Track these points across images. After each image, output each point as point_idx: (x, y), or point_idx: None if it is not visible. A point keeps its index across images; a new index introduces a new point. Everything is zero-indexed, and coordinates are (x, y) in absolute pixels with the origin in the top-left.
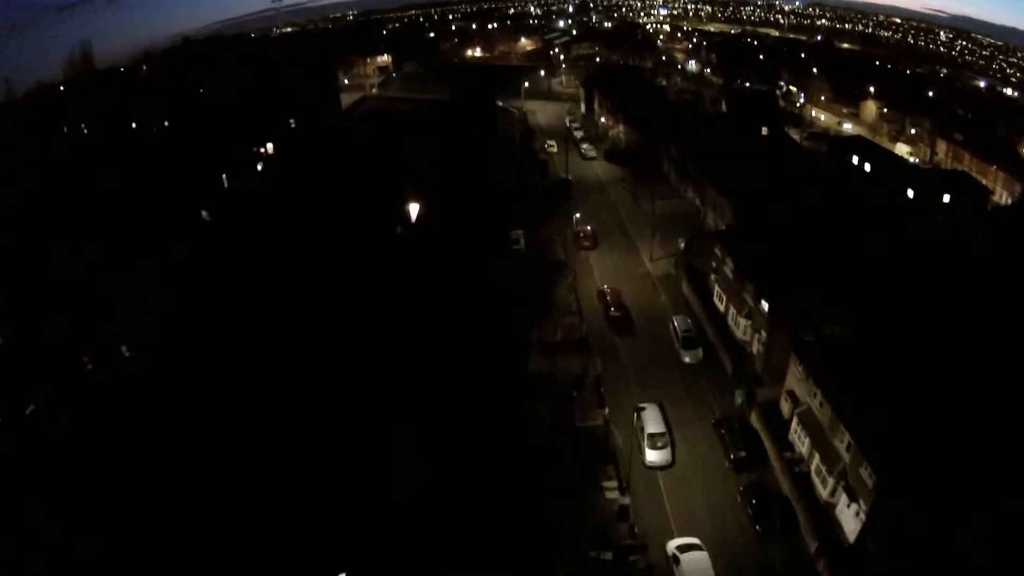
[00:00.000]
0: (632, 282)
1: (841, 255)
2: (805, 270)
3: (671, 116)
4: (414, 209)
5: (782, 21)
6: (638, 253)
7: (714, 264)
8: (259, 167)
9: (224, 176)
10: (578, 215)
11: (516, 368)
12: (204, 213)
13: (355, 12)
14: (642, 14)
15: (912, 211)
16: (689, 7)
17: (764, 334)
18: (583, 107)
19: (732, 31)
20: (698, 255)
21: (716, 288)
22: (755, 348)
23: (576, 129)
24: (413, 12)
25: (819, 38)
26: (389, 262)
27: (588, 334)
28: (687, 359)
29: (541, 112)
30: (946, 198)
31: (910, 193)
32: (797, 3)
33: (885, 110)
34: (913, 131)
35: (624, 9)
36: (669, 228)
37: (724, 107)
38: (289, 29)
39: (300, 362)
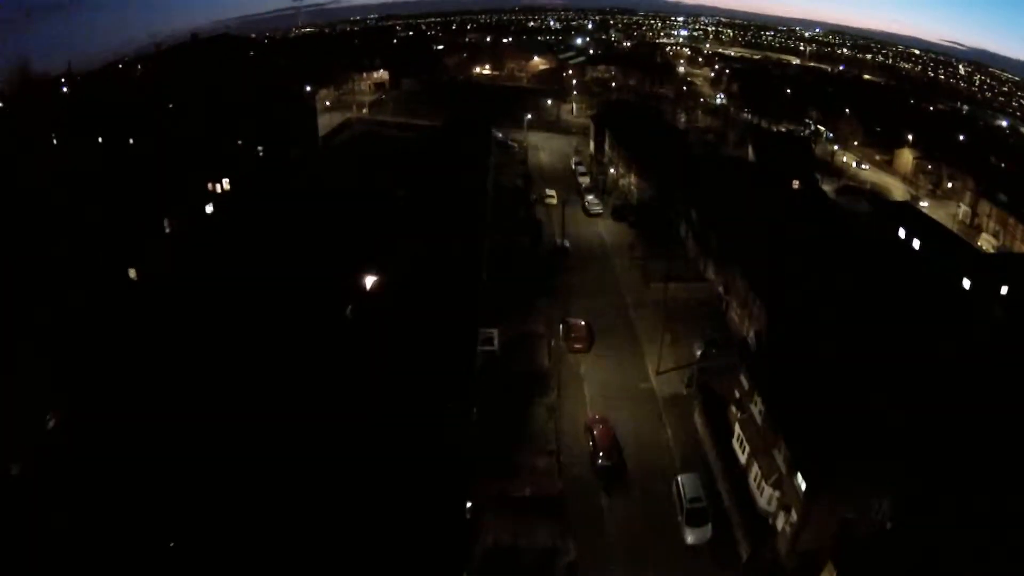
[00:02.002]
0: (631, 406)
1: (906, 391)
2: (860, 423)
3: (690, 166)
4: (370, 281)
5: (803, 48)
6: (642, 359)
7: (738, 394)
8: (209, 209)
9: (165, 220)
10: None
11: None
12: (131, 272)
13: (376, 16)
14: (662, 34)
15: (971, 310)
16: (710, 29)
17: (795, 515)
18: (592, 145)
19: (754, 56)
20: (718, 371)
21: (738, 429)
22: (781, 526)
23: (582, 174)
24: (433, 19)
25: (841, 68)
26: (323, 359)
27: (567, 487)
28: (691, 539)
29: (546, 148)
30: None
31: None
32: (817, 30)
33: (921, 160)
34: (950, 185)
35: (644, 28)
36: (684, 321)
37: (751, 151)
38: (308, 30)
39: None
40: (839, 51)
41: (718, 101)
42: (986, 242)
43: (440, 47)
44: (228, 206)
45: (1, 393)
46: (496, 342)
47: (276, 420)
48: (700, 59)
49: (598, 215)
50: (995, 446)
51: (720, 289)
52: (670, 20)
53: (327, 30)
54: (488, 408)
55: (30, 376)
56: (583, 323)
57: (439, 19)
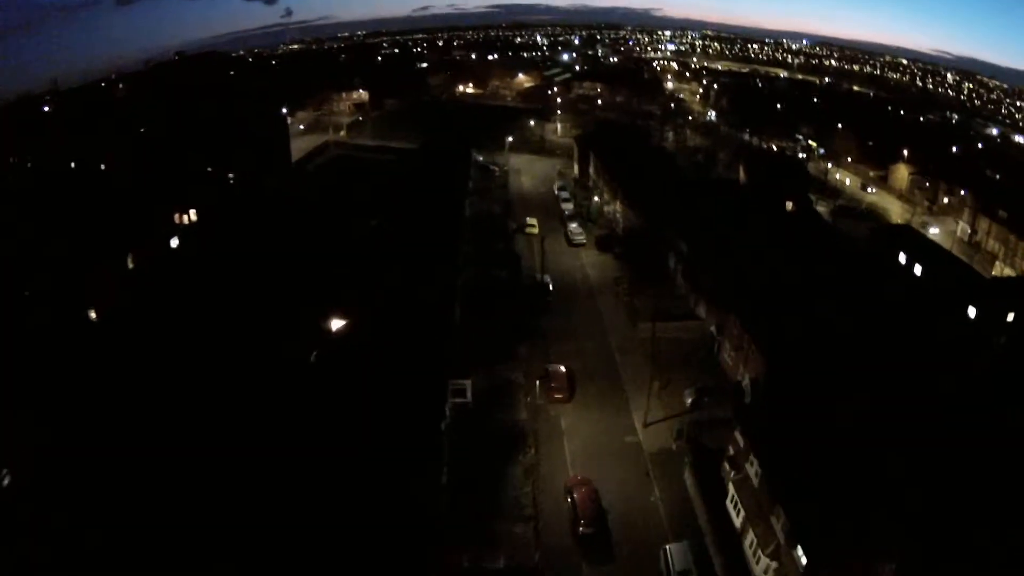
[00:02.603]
0: (616, 464)
1: (912, 447)
2: (865, 487)
3: (679, 192)
4: (335, 324)
5: (791, 60)
6: (628, 409)
7: (732, 451)
8: (174, 243)
9: (129, 255)
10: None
11: None
12: (91, 312)
13: (363, 33)
14: (649, 49)
15: (977, 343)
16: (697, 44)
17: None
18: (576, 168)
19: (742, 70)
20: (710, 423)
21: (732, 490)
22: None
23: (565, 200)
24: (420, 36)
25: (829, 80)
26: (281, 412)
27: (545, 558)
28: None
29: (528, 172)
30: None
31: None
32: (804, 42)
33: (917, 176)
34: (947, 200)
35: (632, 43)
36: (674, 365)
37: (742, 172)
38: (295, 47)
39: None
40: (827, 63)
41: (708, 118)
42: (1000, 269)
43: (425, 65)
44: (193, 240)
45: None
46: (469, 394)
47: (225, 476)
48: (688, 74)
49: (581, 245)
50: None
51: (712, 328)
52: (657, 34)
53: (314, 46)
54: (460, 468)
55: None
56: (564, 370)
57: (426, 36)
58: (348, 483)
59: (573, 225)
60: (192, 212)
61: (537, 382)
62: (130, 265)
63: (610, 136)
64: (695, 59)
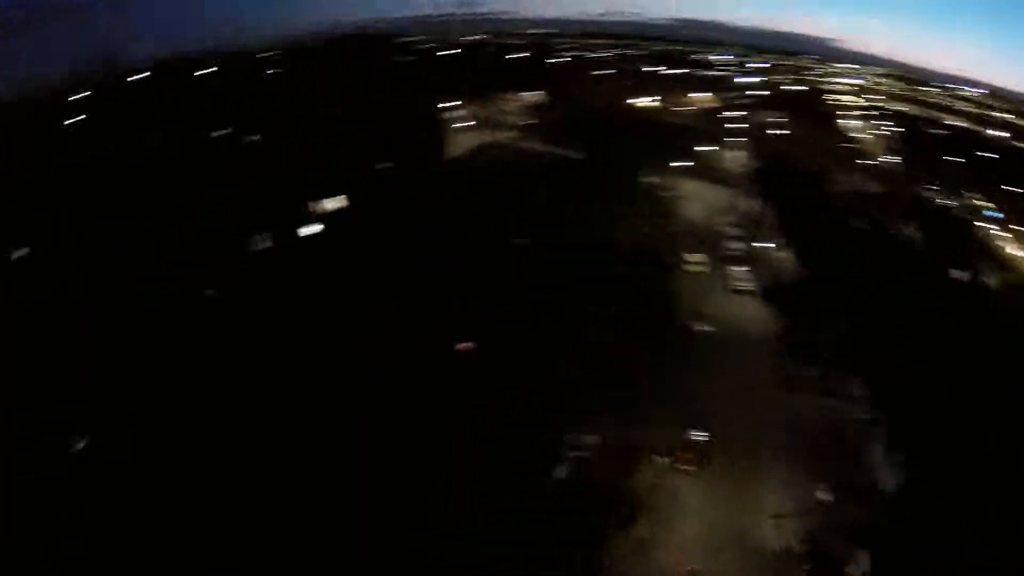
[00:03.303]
0: (735, 557)
1: None
2: None
3: (847, 246)
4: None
5: (963, 108)
6: (760, 493)
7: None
8: (303, 231)
9: (257, 238)
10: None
11: None
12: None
13: (546, 32)
14: (826, 79)
15: None
16: (871, 79)
17: None
18: (749, 203)
19: (912, 113)
20: (842, 528)
21: None
22: None
23: (733, 239)
24: (603, 41)
25: (1006, 135)
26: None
27: None
28: None
29: (697, 200)
30: None
31: None
32: (977, 91)
33: None
34: None
35: (814, 71)
36: (817, 447)
37: (911, 230)
38: (478, 37)
39: None
40: (999, 115)
41: (880, 163)
42: None
43: (604, 71)
44: (325, 231)
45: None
46: (591, 450)
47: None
48: (862, 111)
49: (743, 292)
50: None
51: (866, 416)
52: (836, 65)
53: (496, 38)
54: (559, 532)
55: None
56: (697, 438)
57: (611, 41)
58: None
59: (737, 269)
60: (330, 202)
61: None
62: (267, 245)
63: (786, 173)
64: (869, 95)
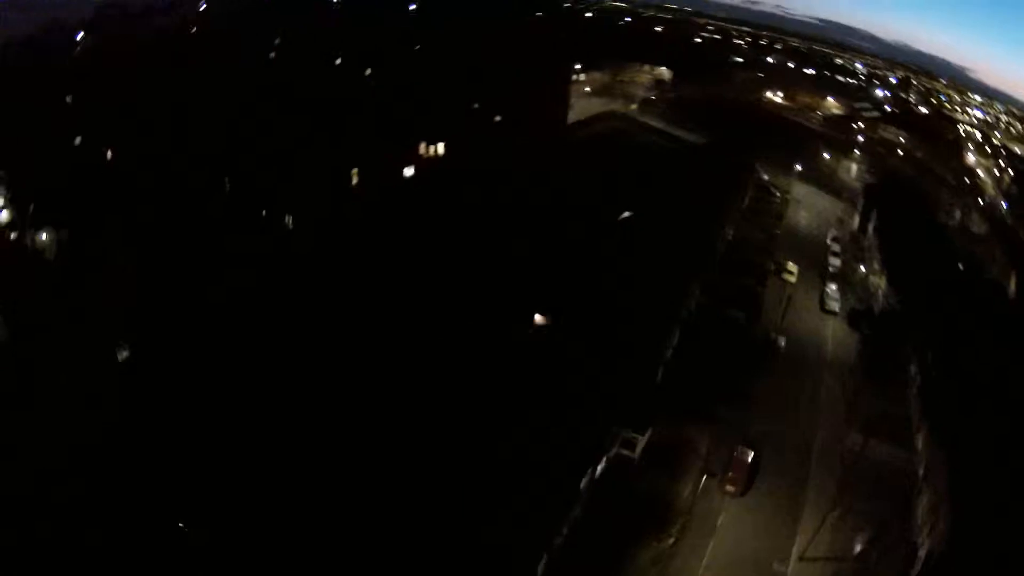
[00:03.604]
0: None
1: None
2: None
3: (946, 285)
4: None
5: None
6: (794, 528)
7: None
8: (409, 172)
9: (355, 172)
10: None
11: None
12: (288, 218)
13: (689, 9)
14: (957, 109)
15: None
16: (1002, 118)
17: None
18: (857, 220)
19: None
20: None
21: None
22: None
23: (835, 254)
24: (745, 28)
25: None
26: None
27: None
28: None
29: (808, 206)
30: None
31: None
32: None
33: None
34: None
35: (944, 98)
36: (864, 495)
37: (1013, 281)
38: (621, 3)
39: None
40: None
41: (995, 201)
42: None
43: (739, 59)
44: (432, 175)
45: None
46: (639, 449)
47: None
48: (987, 148)
49: (833, 313)
50: None
51: (921, 469)
52: (967, 96)
53: (639, 10)
54: (582, 532)
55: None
56: (749, 460)
57: (750, 30)
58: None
59: (832, 287)
60: (440, 146)
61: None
62: (354, 181)
63: (899, 196)
64: (997, 133)
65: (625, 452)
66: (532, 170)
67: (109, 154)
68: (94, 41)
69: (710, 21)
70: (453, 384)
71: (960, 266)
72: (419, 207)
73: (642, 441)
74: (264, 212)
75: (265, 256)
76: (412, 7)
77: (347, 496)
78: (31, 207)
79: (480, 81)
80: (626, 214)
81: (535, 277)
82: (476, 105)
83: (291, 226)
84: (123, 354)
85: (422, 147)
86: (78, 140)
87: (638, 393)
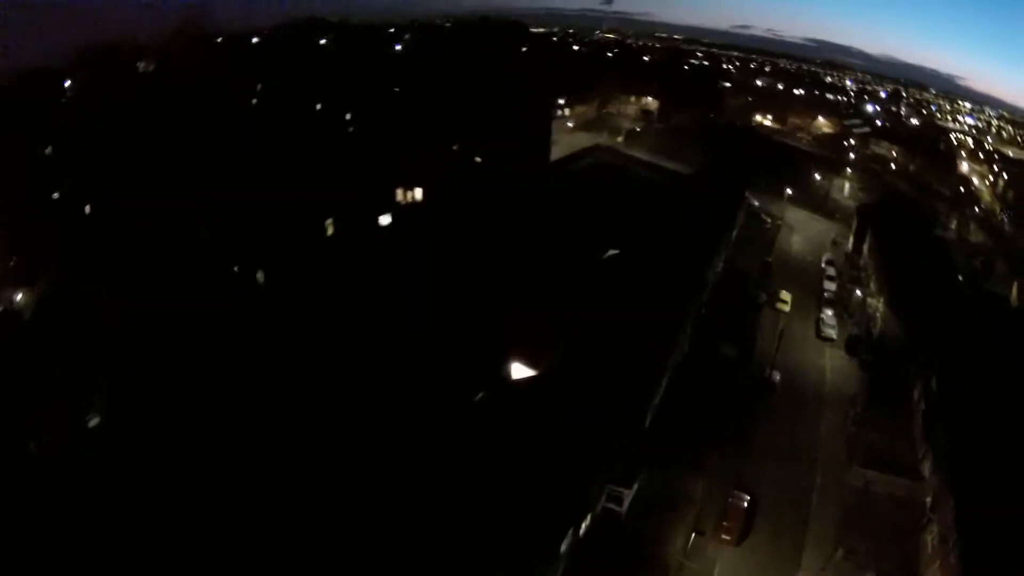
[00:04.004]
0: None
1: None
2: None
3: (946, 303)
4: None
5: None
6: (796, 567)
7: None
8: (384, 221)
9: (329, 222)
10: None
11: None
12: (259, 274)
13: (680, 37)
14: (948, 118)
15: None
16: (993, 123)
17: None
18: (851, 242)
19: None
20: None
21: None
22: None
23: (830, 279)
24: (734, 53)
25: None
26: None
27: None
28: None
29: (801, 231)
30: None
31: None
32: None
33: None
34: None
35: (934, 108)
36: (869, 532)
37: (1015, 291)
38: (610, 36)
39: None
40: None
41: (995, 213)
42: None
43: (728, 84)
44: (407, 222)
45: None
46: (626, 504)
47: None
48: (980, 155)
49: (830, 340)
50: None
51: (928, 499)
52: (957, 104)
53: (628, 41)
54: None
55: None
56: (745, 507)
57: (741, 55)
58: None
59: (828, 313)
60: (418, 191)
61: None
62: (328, 232)
63: (893, 214)
64: (989, 139)
65: (612, 506)
66: (514, 210)
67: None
68: (78, 89)
69: (699, 48)
70: (421, 440)
71: (960, 279)
72: (394, 256)
73: (630, 494)
74: (236, 268)
75: (238, 314)
76: (398, 47)
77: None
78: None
79: (461, 121)
80: (612, 252)
81: (516, 321)
82: (455, 147)
83: (262, 280)
84: (94, 420)
85: (399, 193)
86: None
87: (625, 442)
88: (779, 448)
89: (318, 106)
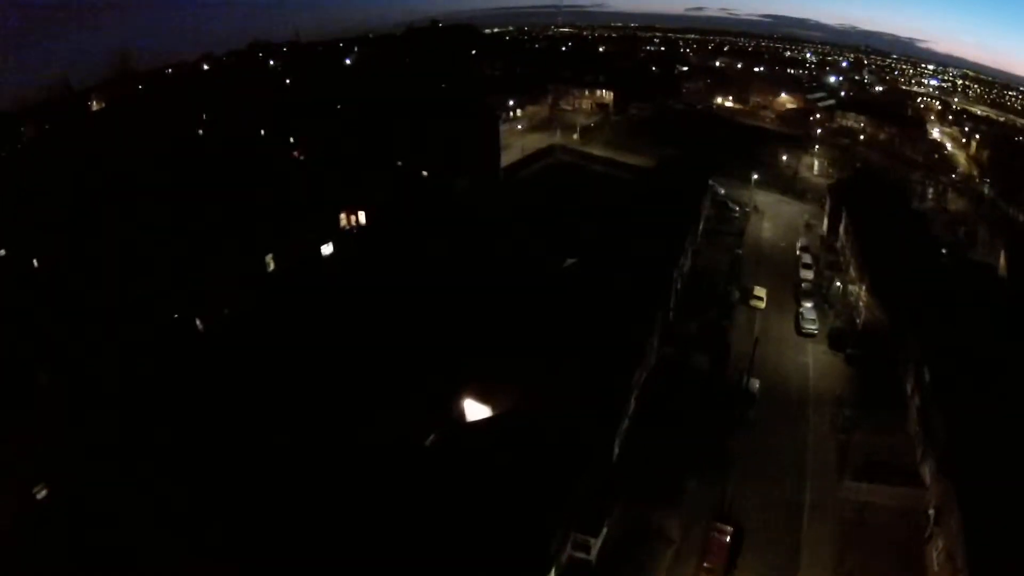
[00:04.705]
0: None
1: None
2: None
3: (931, 280)
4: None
5: None
6: None
7: None
8: (327, 249)
9: (269, 257)
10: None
11: None
12: (199, 322)
13: (636, 25)
14: (912, 82)
15: None
16: (957, 83)
17: None
18: (826, 224)
19: (999, 118)
20: None
21: None
22: None
23: (806, 266)
24: (691, 36)
25: None
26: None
27: None
28: None
29: (771, 216)
30: None
31: None
32: None
33: None
34: None
35: (896, 73)
36: (868, 548)
37: (1003, 260)
38: (565, 30)
39: None
40: None
41: (971, 176)
42: None
43: (685, 68)
44: (351, 248)
45: None
46: (594, 552)
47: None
48: (949, 116)
49: (811, 335)
50: None
51: (931, 509)
52: (920, 67)
53: (585, 33)
54: None
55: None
56: (727, 540)
57: (698, 37)
58: None
59: (807, 306)
60: (361, 214)
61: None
62: (269, 268)
63: (867, 189)
64: (956, 99)
65: (579, 555)
66: (463, 227)
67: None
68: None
69: (655, 33)
70: (365, 492)
71: (944, 252)
72: (336, 290)
73: (598, 541)
74: (176, 316)
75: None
76: (347, 61)
77: None
78: None
79: (406, 134)
80: (570, 261)
81: (468, 354)
82: (400, 162)
83: (201, 327)
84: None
85: (342, 218)
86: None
87: (591, 481)
88: (762, 466)
89: (261, 132)
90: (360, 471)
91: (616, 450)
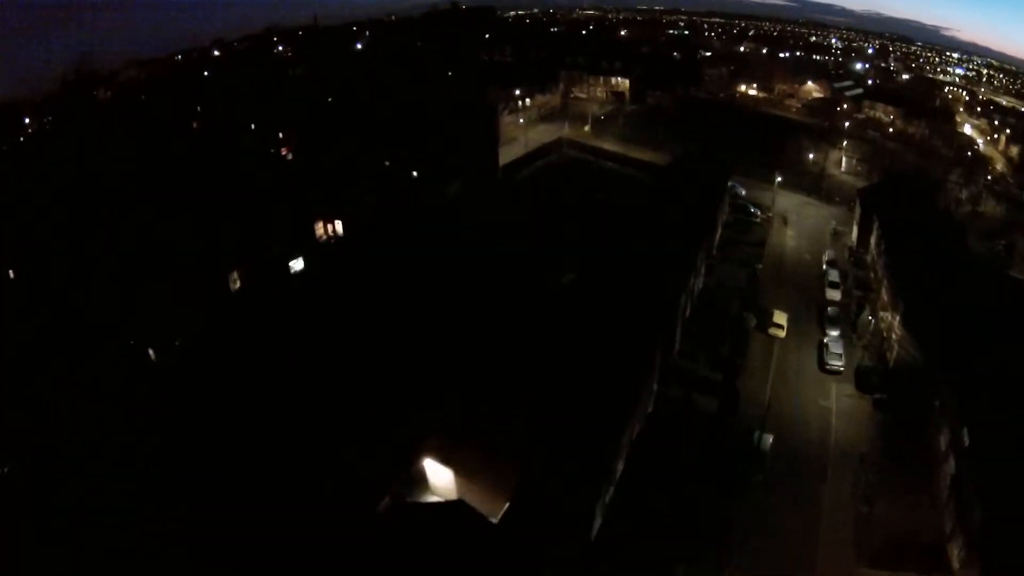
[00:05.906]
0: None
1: None
2: None
3: (969, 307)
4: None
5: None
6: None
7: None
8: (300, 265)
9: (235, 275)
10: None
11: None
12: (151, 352)
13: (661, 8)
14: (938, 70)
15: None
16: (982, 72)
17: None
18: (855, 232)
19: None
20: None
21: None
22: None
23: (833, 285)
24: (716, 20)
25: None
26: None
27: None
28: None
29: (795, 222)
30: None
31: None
32: None
33: None
34: None
35: (921, 60)
36: None
37: None
38: (591, 12)
39: None
40: None
41: (1006, 176)
42: None
43: (708, 54)
44: (324, 262)
45: None
46: None
47: None
48: (978, 108)
49: (837, 372)
50: None
51: None
52: (946, 55)
53: (609, 15)
54: None
55: None
56: None
57: (722, 21)
58: None
59: (833, 334)
60: (338, 224)
61: None
62: (234, 286)
63: (900, 197)
64: (982, 89)
65: None
66: (451, 237)
67: None
68: None
69: (680, 17)
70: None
71: (981, 271)
72: (308, 302)
73: None
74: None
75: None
76: (358, 46)
77: None
78: None
79: (398, 130)
80: (569, 276)
81: (451, 373)
82: (387, 163)
83: (154, 358)
84: None
85: (318, 228)
86: None
87: (562, 562)
88: (767, 551)
89: (252, 126)
90: (303, 538)
91: (598, 520)
